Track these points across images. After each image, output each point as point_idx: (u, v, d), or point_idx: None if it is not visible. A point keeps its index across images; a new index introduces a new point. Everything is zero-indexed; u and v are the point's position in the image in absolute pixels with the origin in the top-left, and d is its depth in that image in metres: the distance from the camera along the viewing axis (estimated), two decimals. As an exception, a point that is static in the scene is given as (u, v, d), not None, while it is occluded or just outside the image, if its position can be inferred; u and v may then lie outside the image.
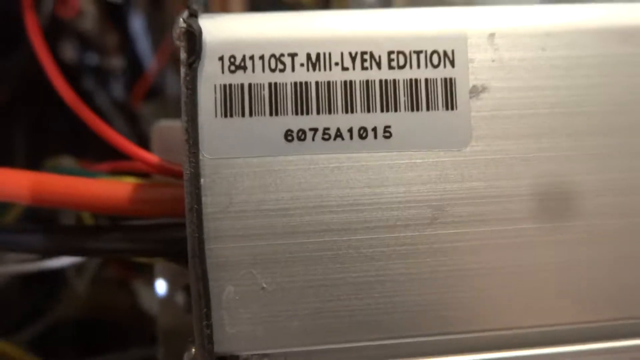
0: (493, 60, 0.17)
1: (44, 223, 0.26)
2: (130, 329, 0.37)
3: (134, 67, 0.45)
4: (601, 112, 0.17)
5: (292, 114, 0.16)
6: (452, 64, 0.17)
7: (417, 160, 0.16)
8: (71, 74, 0.43)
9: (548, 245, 0.17)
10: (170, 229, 0.19)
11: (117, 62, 0.46)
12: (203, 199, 0.16)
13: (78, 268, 0.34)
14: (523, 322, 0.17)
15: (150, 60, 0.44)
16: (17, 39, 0.40)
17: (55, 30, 0.42)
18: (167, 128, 0.26)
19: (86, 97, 0.43)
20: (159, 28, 0.45)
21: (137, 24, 0.45)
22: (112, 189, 0.19)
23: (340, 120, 0.16)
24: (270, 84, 0.16)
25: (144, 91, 0.43)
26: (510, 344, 0.17)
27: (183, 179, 0.21)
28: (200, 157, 0.16)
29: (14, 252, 0.24)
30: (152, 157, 0.20)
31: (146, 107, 0.44)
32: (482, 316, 0.17)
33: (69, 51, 0.44)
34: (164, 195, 0.19)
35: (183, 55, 0.16)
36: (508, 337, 0.17)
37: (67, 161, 0.31)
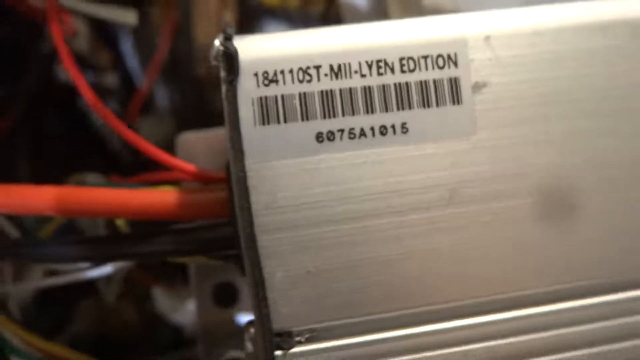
0: (490, 59, 0.19)
1: (89, 234, 0.28)
2: (146, 338, 0.39)
3: (126, 84, 0.47)
4: (587, 98, 0.19)
5: (321, 118, 0.19)
6: (456, 64, 0.19)
7: (432, 151, 0.19)
8: (68, 94, 0.45)
9: (549, 216, 0.19)
10: (213, 229, 0.22)
11: (110, 80, 0.48)
12: (250, 198, 0.18)
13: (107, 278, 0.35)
14: (534, 283, 0.19)
15: (140, 76, 0.46)
16: (21, 66, 0.41)
17: (50, 53, 0.44)
18: (190, 139, 0.28)
19: (84, 116, 0.45)
20: (145, 44, 0.46)
21: (126, 41, 0.46)
22: (161, 196, 0.21)
23: (362, 120, 0.19)
24: (299, 94, 0.19)
25: (139, 107, 0.44)
26: (523, 304, 0.20)
27: (216, 184, 0.23)
28: (245, 161, 0.18)
29: (66, 262, 0.26)
30: (189, 166, 0.23)
31: (142, 121, 0.45)
32: (498, 281, 0.19)
33: (65, 72, 0.46)
34: (208, 199, 0.21)
35: (223, 74, 0.18)
36: (521, 298, 0.20)
37: (93, 177, 0.32)
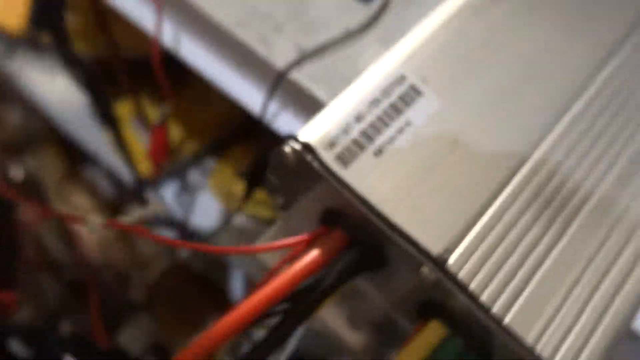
0: (423, 61, 0.33)
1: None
2: None
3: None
4: (492, 49, 0.34)
5: (368, 145, 0.30)
6: (405, 78, 0.32)
7: (429, 122, 0.32)
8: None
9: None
10: (346, 256, 0.32)
11: (23, 314, 0.53)
12: (376, 206, 0.29)
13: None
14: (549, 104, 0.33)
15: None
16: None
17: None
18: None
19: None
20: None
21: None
22: (310, 258, 0.31)
23: (388, 132, 0.31)
24: (352, 140, 0.30)
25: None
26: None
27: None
28: (358, 192, 0.29)
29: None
30: (301, 236, 0.33)
31: (119, 336, 0.53)
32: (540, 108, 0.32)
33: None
34: (330, 242, 0.32)
35: (309, 158, 0.29)
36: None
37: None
